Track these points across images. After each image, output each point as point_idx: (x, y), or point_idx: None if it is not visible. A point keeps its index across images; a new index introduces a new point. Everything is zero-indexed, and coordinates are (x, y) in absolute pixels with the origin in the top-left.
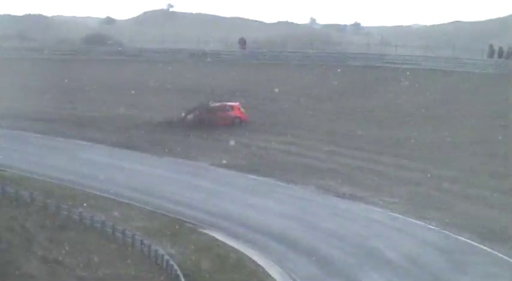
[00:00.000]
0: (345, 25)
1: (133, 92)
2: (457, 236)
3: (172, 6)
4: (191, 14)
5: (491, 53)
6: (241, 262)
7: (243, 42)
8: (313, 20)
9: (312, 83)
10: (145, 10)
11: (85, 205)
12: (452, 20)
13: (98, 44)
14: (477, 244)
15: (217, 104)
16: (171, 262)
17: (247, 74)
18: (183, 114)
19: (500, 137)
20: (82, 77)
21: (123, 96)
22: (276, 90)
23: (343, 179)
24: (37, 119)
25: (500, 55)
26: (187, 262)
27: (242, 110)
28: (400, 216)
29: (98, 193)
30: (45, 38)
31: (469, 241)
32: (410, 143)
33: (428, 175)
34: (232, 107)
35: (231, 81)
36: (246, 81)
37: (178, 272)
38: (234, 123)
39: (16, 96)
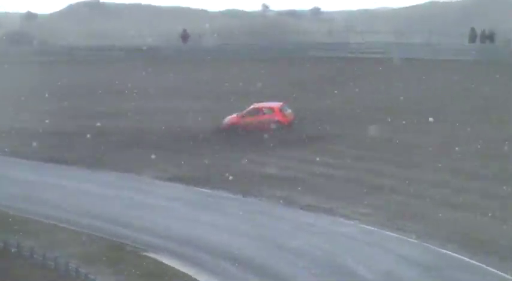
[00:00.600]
0: (303, 11)
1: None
2: (441, 250)
3: None
4: (124, 5)
5: (473, 37)
6: None
7: (185, 36)
8: (265, 7)
9: (267, 80)
10: (71, 2)
11: (12, 229)
12: (425, 1)
13: (18, 43)
14: (465, 258)
15: (256, 105)
16: None
17: (191, 72)
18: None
19: (492, 136)
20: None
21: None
22: (226, 86)
23: (308, 188)
24: None
25: (483, 39)
26: None
27: (286, 112)
28: (374, 229)
29: (25, 216)
30: None
31: (455, 254)
32: (386, 144)
33: (407, 181)
34: (272, 109)
35: (172, 82)
36: (189, 80)
37: None
38: (274, 129)
39: None
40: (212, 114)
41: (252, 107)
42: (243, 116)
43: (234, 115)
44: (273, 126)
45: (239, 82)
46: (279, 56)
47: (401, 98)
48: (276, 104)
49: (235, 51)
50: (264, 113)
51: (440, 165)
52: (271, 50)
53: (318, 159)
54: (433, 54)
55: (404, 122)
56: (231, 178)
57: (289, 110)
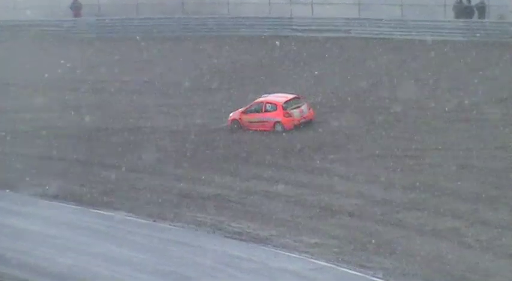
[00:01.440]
0: None
1: None
2: None
3: None
4: None
5: (458, 11)
6: None
7: (77, 8)
8: None
9: (186, 66)
10: None
11: None
12: None
13: None
14: None
15: (260, 99)
16: None
17: (85, 53)
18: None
19: (471, 146)
20: None
21: None
22: (127, 79)
23: (238, 210)
24: None
25: (470, 14)
26: None
27: (295, 110)
28: (327, 264)
29: None
30: None
31: None
32: (344, 149)
33: (371, 199)
34: (274, 106)
35: (60, 65)
36: (83, 64)
37: None
38: (276, 130)
39: None
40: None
41: (256, 100)
42: (245, 112)
43: (239, 110)
44: (278, 127)
45: (144, 70)
46: (200, 36)
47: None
48: (281, 99)
49: (141, 28)
50: (267, 110)
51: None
52: (190, 27)
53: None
54: (407, 31)
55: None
56: (143, 197)
57: (304, 107)
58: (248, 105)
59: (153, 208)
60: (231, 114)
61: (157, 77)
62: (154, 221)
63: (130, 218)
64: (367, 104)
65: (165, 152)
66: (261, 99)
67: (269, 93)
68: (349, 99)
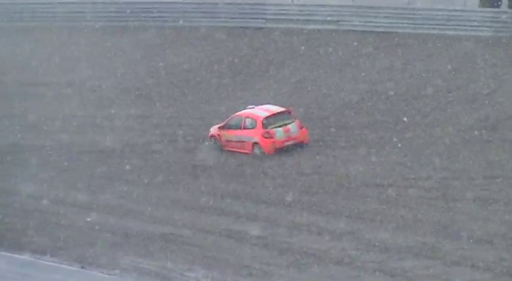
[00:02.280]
0: None
1: None
2: None
3: None
4: None
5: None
6: None
7: None
8: None
9: (124, 65)
10: None
11: None
12: None
13: None
14: None
15: (240, 113)
16: None
17: None
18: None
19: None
20: None
21: None
22: (47, 80)
23: (194, 254)
24: None
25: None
26: None
27: (280, 128)
28: None
29: None
30: None
31: None
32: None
33: (365, 242)
34: (254, 121)
35: None
36: None
37: None
38: (255, 154)
39: None
40: None
41: (237, 113)
42: (223, 128)
43: (216, 125)
44: (256, 150)
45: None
46: (135, 24)
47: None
48: (263, 113)
49: (57, 14)
50: (246, 127)
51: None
52: (121, 14)
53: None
54: (414, 24)
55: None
56: (67, 235)
57: (292, 126)
58: (228, 119)
59: (82, 249)
60: (211, 129)
61: (86, 79)
62: (83, 267)
63: (51, 263)
64: (361, 118)
65: (94, 179)
66: (243, 111)
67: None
68: (339, 112)
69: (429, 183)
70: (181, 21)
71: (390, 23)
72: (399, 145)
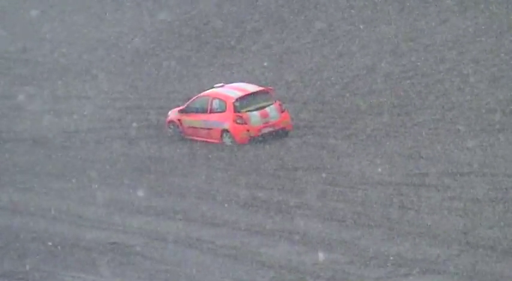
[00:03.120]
0: None
1: None
2: None
3: None
4: None
5: None
6: None
7: None
8: None
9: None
10: None
11: None
12: None
13: None
14: None
15: (206, 92)
16: None
17: None
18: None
19: None
20: None
21: None
22: None
23: (145, 268)
24: None
25: None
26: None
27: (254, 113)
28: None
29: None
30: None
31: None
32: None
33: (362, 253)
34: (223, 103)
35: None
36: None
37: None
38: (224, 143)
39: None
40: None
41: (202, 93)
42: (184, 111)
43: (176, 108)
44: (226, 139)
45: None
46: None
47: None
48: (234, 93)
49: None
50: (213, 110)
51: None
52: None
53: None
54: None
55: None
56: None
57: (271, 109)
58: (189, 101)
59: (10, 263)
60: (169, 113)
61: (13, 49)
62: None
63: None
64: (357, 100)
65: (21, 174)
66: (209, 91)
67: (224, 82)
68: (329, 92)
69: (442, 180)
70: None
71: None
72: (404, 133)
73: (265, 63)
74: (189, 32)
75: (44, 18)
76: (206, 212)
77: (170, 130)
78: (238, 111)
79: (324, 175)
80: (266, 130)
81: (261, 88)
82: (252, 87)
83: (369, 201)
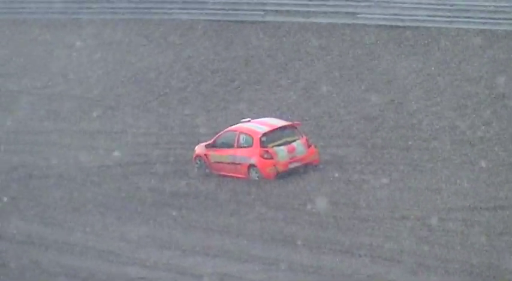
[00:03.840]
0: None
1: None
2: None
3: None
4: None
5: None
6: None
7: None
8: None
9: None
10: None
11: None
12: None
13: None
14: None
15: (233, 127)
16: None
17: None
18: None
19: None
20: None
21: None
22: None
23: None
24: None
25: None
26: None
27: (281, 148)
28: None
29: None
30: None
31: None
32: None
33: None
34: (250, 138)
35: None
36: None
37: None
38: (252, 178)
39: None
40: None
41: (228, 128)
42: (211, 146)
43: (203, 143)
44: (253, 174)
45: None
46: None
47: None
48: (261, 128)
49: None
50: (240, 145)
51: None
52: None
53: None
54: (449, 17)
55: None
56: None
57: (298, 143)
58: (216, 136)
59: None
60: (196, 148)
61: (40, 85)
62: None
63: None
64: (384, 134)
65: (49, 209)
66: (236, 126)
67: (248, 117)
68: (356, 126)
69: (471, 214)
70: (155, 13)
71: (419, 15)
72: (431, 168)
73: (292, 98)
74: (216, 65)
75: (69, 53)
76: (233, 248)
77: (197, 165)
78: (265, 146)
79: (351, 210)
80: (293, 165)
81: (287, 123)
82: (278, 122)
83: (397, 235)
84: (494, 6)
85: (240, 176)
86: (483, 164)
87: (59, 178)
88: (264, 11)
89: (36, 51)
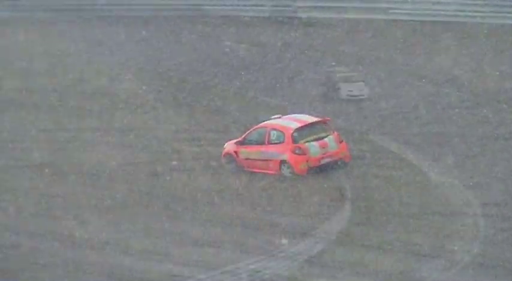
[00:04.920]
0: None
1: None
2: None
3: None
4: None
5: None
6: None
7: None
8: None
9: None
10: None
11: None
12: None
13: None
14: None
15: (267, 122)
16: None
17: None
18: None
19: None
20: None
21: None
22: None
23: None
24: None
25: None
26: None
27: (313, 143)
28: None
29: None
30: None
31: None
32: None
33: None
34: (282, 134)
35: None
36: None
37: None
38: (283, 174)
39: None
40: None
41: (259, 125)
42: (241, 143)
43: (232, 140)
44: (285, 170)
45: None
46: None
47: None
48: (292, 124)
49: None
50: (271, 141)
51: None
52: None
53: None
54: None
55: None
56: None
57: (330, 139)
58: (246, 133)
59: None
60: (226, 145)
61: (71, 83)
62: None
63: None
64: (418, 129)
65: (81, 207)
66: (267, 122)
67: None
68: (389, 121)
69: (502, 211)
70: (186, 10)
71: (454, 10)
72: (465, 163)
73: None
74: (248, 62)
75: (98, 50)
76: (265, 244)
77: (226, 162)
78: (297, 142)
79: (383, 205)
80: (325, 161)
81: (319, 119)
82: (309, 118)
83: (429, 231)
84: None
85: (271, 172)
86: None
87: (91, 174)
88: (295, 7)
89: (66, 48)
